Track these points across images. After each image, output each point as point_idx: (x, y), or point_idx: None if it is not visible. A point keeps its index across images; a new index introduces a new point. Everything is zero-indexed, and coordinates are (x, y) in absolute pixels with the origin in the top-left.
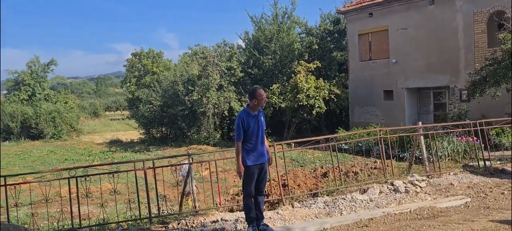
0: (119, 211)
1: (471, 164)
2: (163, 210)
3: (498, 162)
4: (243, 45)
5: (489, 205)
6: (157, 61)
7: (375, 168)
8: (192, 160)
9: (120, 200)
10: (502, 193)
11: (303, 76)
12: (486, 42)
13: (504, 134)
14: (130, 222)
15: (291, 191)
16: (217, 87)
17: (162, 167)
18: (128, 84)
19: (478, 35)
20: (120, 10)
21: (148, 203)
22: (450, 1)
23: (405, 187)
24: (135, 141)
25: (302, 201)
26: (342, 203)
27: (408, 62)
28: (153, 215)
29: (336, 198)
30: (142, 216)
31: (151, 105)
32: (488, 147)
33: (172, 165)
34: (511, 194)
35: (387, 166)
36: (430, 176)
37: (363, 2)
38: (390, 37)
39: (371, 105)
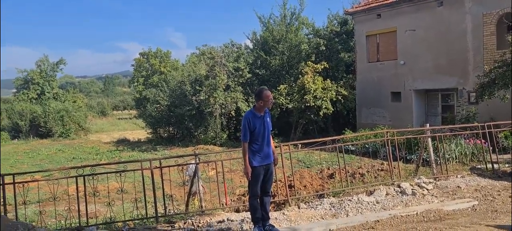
0: (126, 210)
1: (479, 166)
2: (169, 210)
3: (507, 165)
4: (250, 45)
5: (497, 208)
6: (164, 61)
7: (382, 170)
8: (199, 160)
9: (127, 199)
10: (510, 197)
11: (311, 77)
12: (495, 44)
13: None
14: (136, 221)
15: (297, 192)
16: (224, 87)
17: (169, 166)
18: (135, 83)
19: (487, 37)
20: (127, 9)
21: (155, 202)
22: (459, 3)
23: (412, 189)
24: (142, 140)
25: (308, 202)
26: (348, 205)
27: (416, 63)
28: (159, 215)
29: (342, 200)
30: (148, 215)
31: (158, 105)
32: (496, 149)
33: (178, 165)
34: (511, 199)
35: (394, 168)
36: (437, 179)
37: (371, 3)
38: (398, 39)
39: (379, 107)
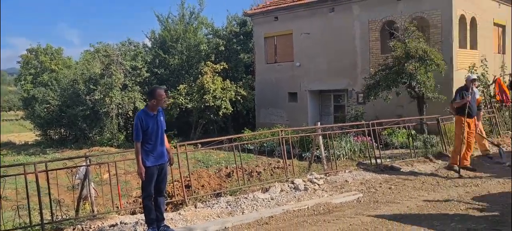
0: (8, 218)
1: (365, 162)
2: (57, 216)
3: (388, 160)
4: (149, 44)
5: (378, 199)
6: (56, 58)
7: (278, 168)
8: (90, 162)
9: (8, 207)
10: (390, 188)
11: (210, 77)
12: (379, 49)
13: (394, 134)
14: (19, 230)
15: (195, 192)
16: (121, 87)
17: (57, 169)
18: (22, 82)
19: (372, 42)
20: (17, 0)
21: (40, 208)
22: (348, 10)
23: (304, 185)
24: (30, 143)
25: (205, 201)
26: (244, 202)
27: (311, 65)
28: (46, 221)
29: (238, 198)
30: (33, 223)
31: (48, 105)
32: (379, 146)
33: (67, 168)
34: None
35: (289, 165)
36: (327, 174)
37: (269, 6)
38: (294, 41)
39: (277, 107)
